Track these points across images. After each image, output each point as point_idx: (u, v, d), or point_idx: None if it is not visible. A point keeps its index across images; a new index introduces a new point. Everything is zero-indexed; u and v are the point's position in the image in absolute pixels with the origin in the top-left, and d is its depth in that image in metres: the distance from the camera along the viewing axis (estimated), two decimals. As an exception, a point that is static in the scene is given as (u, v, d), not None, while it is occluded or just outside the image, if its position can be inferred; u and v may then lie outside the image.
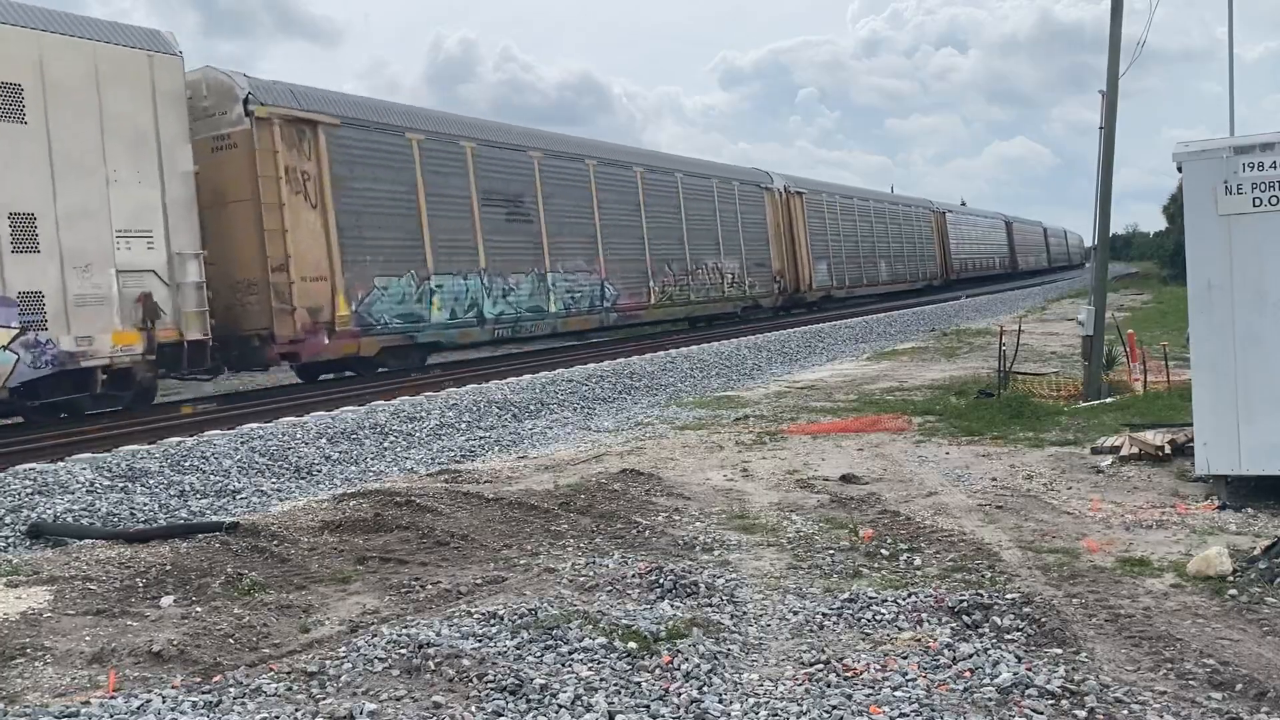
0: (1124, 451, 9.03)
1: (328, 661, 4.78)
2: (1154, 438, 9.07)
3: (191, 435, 11.55)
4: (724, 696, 4.32)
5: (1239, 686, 4.28)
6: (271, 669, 4.73)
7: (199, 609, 5.68)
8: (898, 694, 4.28)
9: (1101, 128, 12.99)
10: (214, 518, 8.19)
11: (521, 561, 6.58)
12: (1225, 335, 7.33)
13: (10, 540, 7.71)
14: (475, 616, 5.34)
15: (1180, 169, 7.54)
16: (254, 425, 12.21)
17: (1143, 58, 13.48)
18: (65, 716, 4.19)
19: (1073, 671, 4.44)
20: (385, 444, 11.89)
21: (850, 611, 5.39)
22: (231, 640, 5.18)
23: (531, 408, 14.43)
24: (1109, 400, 12.55)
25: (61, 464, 9.76)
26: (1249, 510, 7.16)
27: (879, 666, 4.59)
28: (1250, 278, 7.25)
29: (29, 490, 8.74)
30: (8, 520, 8.01)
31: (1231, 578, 5.67)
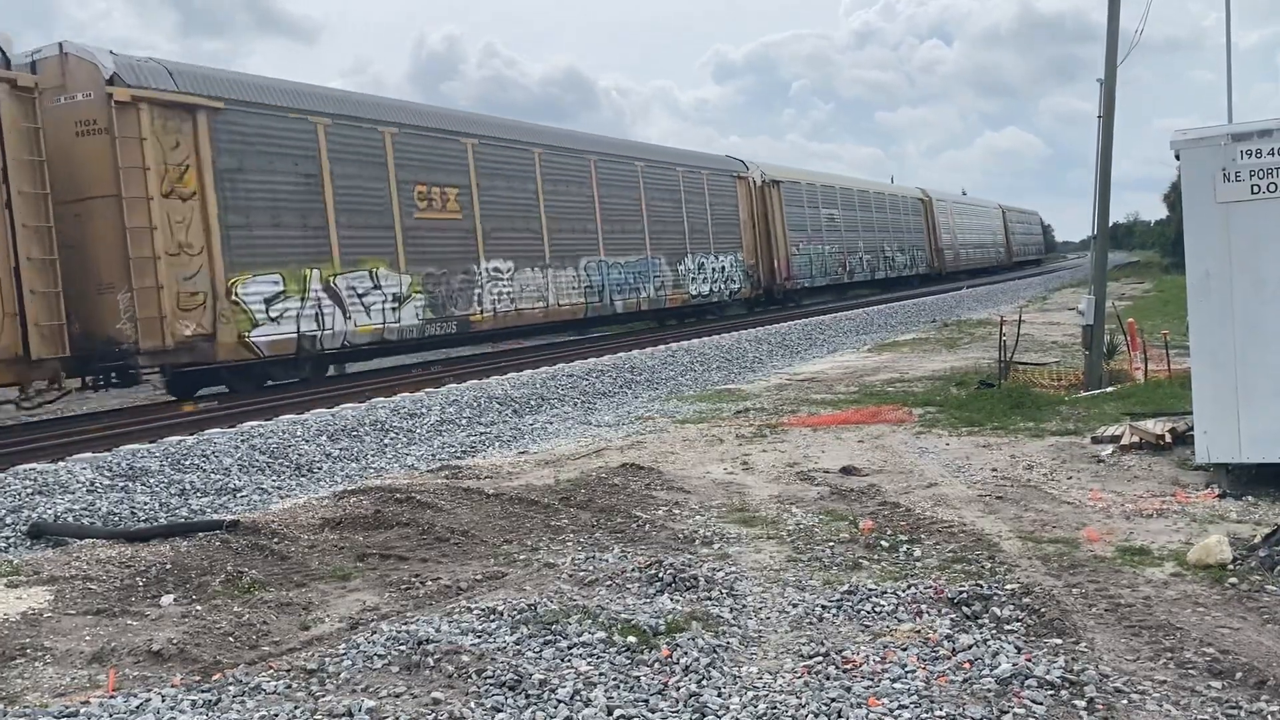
0: (1124, 441, 9.01)
1: (327, 659, 4.78)
2: (1154, 426, 9.06)
3: (192, 433, 11.56)
4: (723, 690, 4.31)
5: (1239, 675, 4.28)
6: (271, 667, 4.73)
7: (199, 607, 5.69)
8: (897, 686, 4.27)
9: (1100, 117, 12.95)
10: (214, 516, 8.19)
11: (521, 557, 6.58)
12: (1224, 323, 7.31)
13: (11, 540, 7.72)
14: (475, 612, 5.34)
15: (1178, 157, 7.51)
16: (254, 423, 12.22)
17: (1128, 48, 13.40)
18: (65, 716, 4.20)
19: (1072, 662, 4.43)
20: (386, 441, 11.89)
21: (850, 604, 5.38)
22: (231, 638, 5.19)
23: (532, 403, 14.42)
24: (1110, 389, 12.53)
25: (62, 464, 9.77)
26: (1249, 498, 7.14)
27: (878, 658, 4.59)
28: (1249, 265, 7.23)
29: (29, 490, 8.74)
30: (8, 520, 8.02)
31: (1232, 566, 5.66)
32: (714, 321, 30.67)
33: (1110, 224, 14.14)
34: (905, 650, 4.66)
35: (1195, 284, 7.46)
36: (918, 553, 6.31)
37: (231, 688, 4.46)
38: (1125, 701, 4.07)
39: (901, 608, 5.29)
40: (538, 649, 4.82)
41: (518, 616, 5.23)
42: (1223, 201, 7.31)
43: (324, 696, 4.35)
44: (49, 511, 8.24)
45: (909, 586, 5.57)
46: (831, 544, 6.59)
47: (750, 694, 4.27)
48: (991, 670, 4.37)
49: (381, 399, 14.25)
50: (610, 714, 4.11)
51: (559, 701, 4.21)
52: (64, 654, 5.02)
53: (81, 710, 4.24)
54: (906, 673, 4.41)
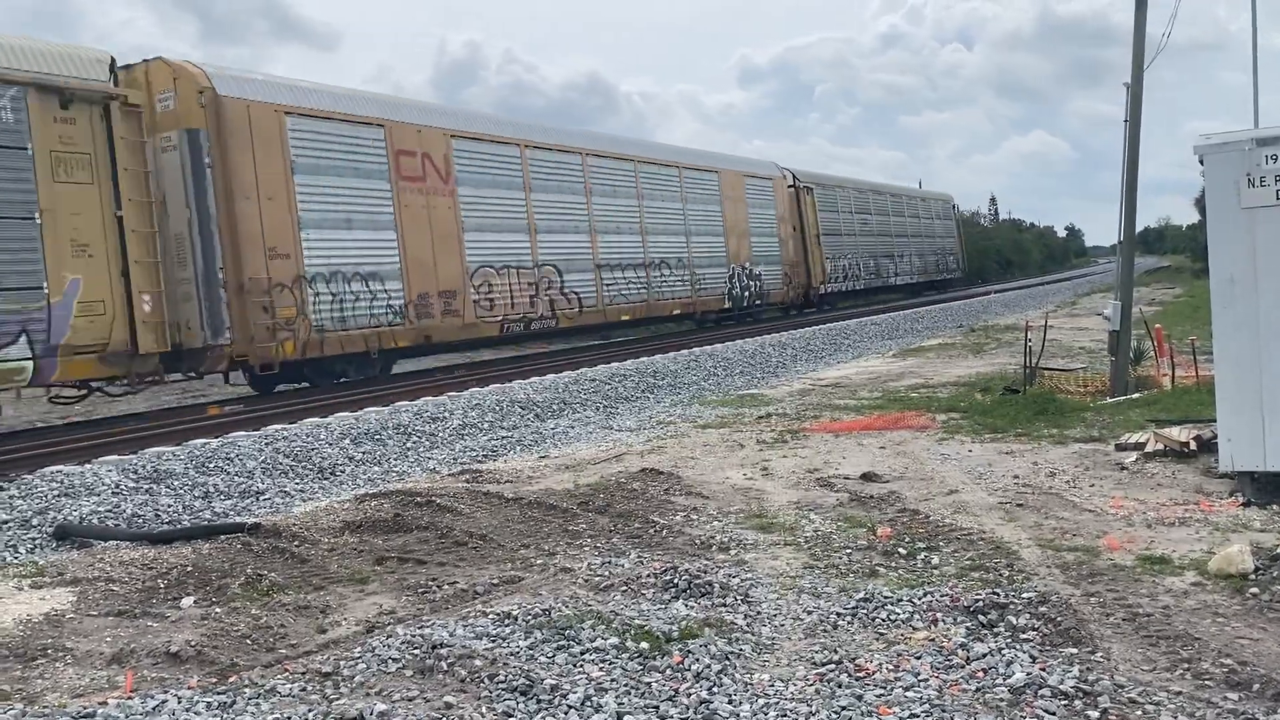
0: (1149, 448, 8.92)
1: (342, 662, 4.81)
2: (1179, 434, 8.97)
3: (217, 437, 11.67)
4: (734, 697, 4.31)
5: (1256, 686, 4.22)
6: (287, 669, 4.77)
7: (218, 610, 5.74)
8: (909, 694, 4.25)
9: (1126, 121, 12.84)
10: (237, 519, 8.26)
11: (538, 561, 6.60)
12: (1248, 329, 7.23)
13: (37, 542, 7.83)
14: (490, 616, 5.36)
15: (1202, 162, 7.44)
16: (279, 426, 12.32)
17: (1153, 51, 13.23)
18: (82, 717, 4.25)
19: (1087, 671, 4.39)
20: (408, 444, 11.95)
21: (865, 611, 5.36)
22: (249, 641, 5.24)
23: (554, 407, 14.46)
24: (1136, 396, 12.41)
25: (88, 466, 9.89)
26: (1274, 507, 7.05)
27: (891, 666, 4.57)
28: (1274, 271, 7.13)
29: (56, 492, 8.86)
30: (35, 522, 8.13)
31: (1253, 576, 5.58)
32: (735, 326, 30.59)
33: (1140, 228, 14.03)
34: (919, 658, 4.64)
35: (1219, 290, 7.38)
36: (935, 560, 6.28)
37: (247, 690, 4.50)
38: (1139, 712, 4.03)
39: (917, 615, 5.26)
40: (550, 654, 4.84)
41: (532, 621, 5.24)
42: (1247, 207, 7.23)
43: (337, 700, 4.38)
44: (75, 513, 8.35)
45: (925, 594, 5.54)
46: (849, 551, 6.56)
47: (761, 701, 4.26)
48: (1005, 679, 4.34)
49: (405, 402, 14.34)
50: (619, 719, 4.12)
51: (569, 707, 4.22)
52: (84, 655, 5.08)
53: (99, 711, 4.29)
54: (919, 681, 4.39)
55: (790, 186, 35.99)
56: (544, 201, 23.38)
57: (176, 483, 9.58)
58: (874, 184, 46.56)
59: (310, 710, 4.24)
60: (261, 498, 9.50)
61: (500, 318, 21.42)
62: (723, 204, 31.37)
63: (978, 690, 4.28)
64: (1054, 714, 4.02)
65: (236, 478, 9.98)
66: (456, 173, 20.50)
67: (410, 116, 19.92)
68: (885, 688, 4.34)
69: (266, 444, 11.15)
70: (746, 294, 32.20)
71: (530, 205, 22.86)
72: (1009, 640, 4.85)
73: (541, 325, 22.99)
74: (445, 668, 4.65)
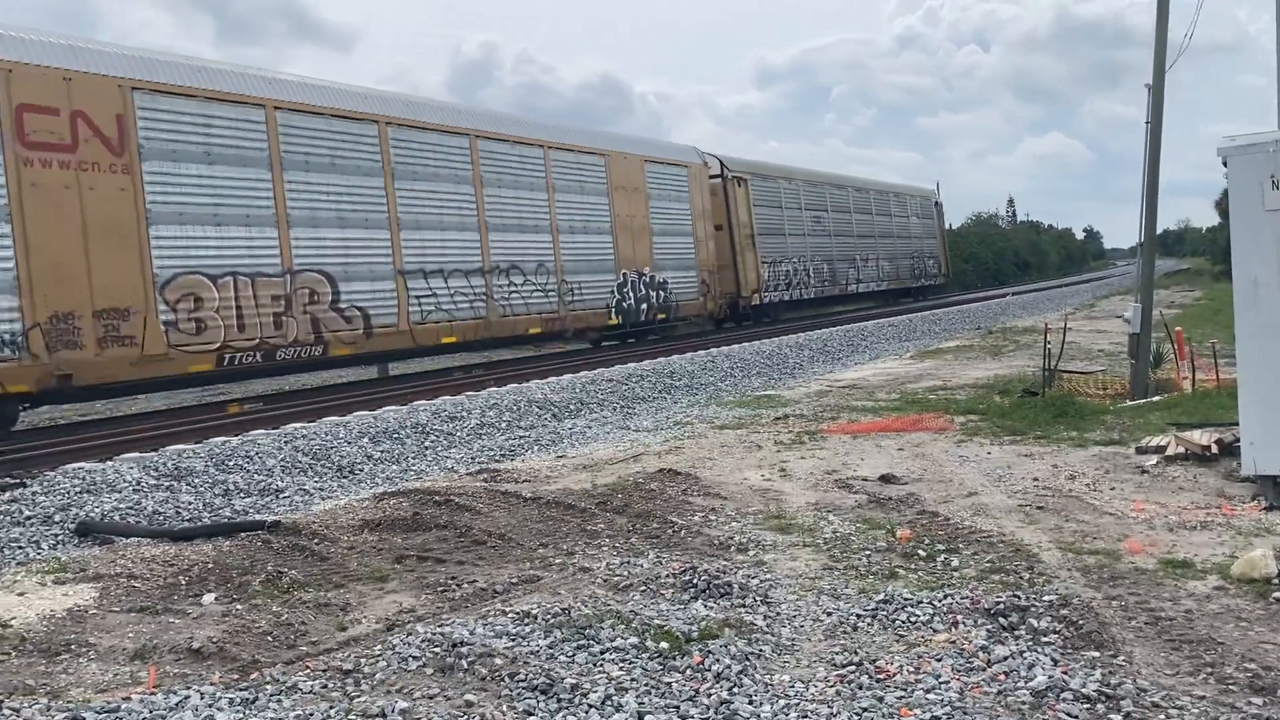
0: (1170, 451, 8.87)
1: (363, 659, 4.83)
2: (1200, 437, 8.91)
3: (237, 435, 11.74)
4: (754, 698, 4.31)
5: (1281, 691, 4.20)
6: (308, 666, 4.79)
7: (239, 607, 5.77)
8: (930, 696, 4.24)
9: (1148, 123, 12.77)
10: (257, 516, 8.30)
11: (557, 561, 6.61)
12: (1272, 332, 7.18)
13: (59, 538, 7.88)
14: (509, 615, 5.37)
15: (1225, 163, 7.39)
16: (298, 425, 12.38)
17: (1174, 53, 13.14)
18: (106, 712, 4.28)
19: (1109, 675, 4.37)
20: (426, 443, 11.99)
21: (885, 613, 5.35)
22: (270, 638, 5.26)
23: (571, 407, 14.48)
24: (1156, 399, 12.34)
25: (110, 463, 9.96)
26: (1297, 511, 7.01)
27: (912, 668, 4.56)
28: (1298, 274, 7.09)
29: (78, 489, 8.92)
30: (57, 518, 8.19)
31: (1276, 580, 5.55)
32: (755, 326, 30.63)
33: (1160, 231, 13.95)
34: (940, 660, 4.63)
35: (1242, 293, 7.34)
36: (955, 562, 6.26)
37: (269, 687, 4.52)
38: (1162, 716, 4.01)
39: (937, 617, 5.24)
40: (570, 653, 4.84)
41: (552, 620, 5.25)
42: (1271, 209, 7.18)
43: (359, 697, 4.40)
44: (96, 510, 8.40)
45: (945, 596, 5.53)
46: (868, 552, 6.55)
47: (781, 702, 4.25)
48: (1027, 682, 4.32)
49: (423, 401, 14.39)
50: (640, 719, 4.12)
51: (590, 706, 4.22)
52: (107, 650, 5.11)
53: (122, 706, 4.32)
54: (940, 683, 4.38)
55: (715, 176, 30.17)
56: (306, 185, 17.01)
57: (197, 480, 9.64)
58: (833, 176, 39.89)
59: (332, 707, 4.26)
60: (281, 495, 9.55)
61: (216, 346, 15.34)
62: (611, 195, 25.07)
63: (999, 693, 4.26)
64: (1076, 717, 4.00)
65: (256, 475, 10.03)
66: (141, 141, 14.57)
67: (51, 58, 13.62)
68: (906, 690, 4.33)
69: (286, 442, 11.21)
70: (644, 306, 26.06)
71: (281, 189, 16.54)
72: (1030, 643, 4.83)
73: (296, 353, 16.57)
74: (466, 666, 4.67)
